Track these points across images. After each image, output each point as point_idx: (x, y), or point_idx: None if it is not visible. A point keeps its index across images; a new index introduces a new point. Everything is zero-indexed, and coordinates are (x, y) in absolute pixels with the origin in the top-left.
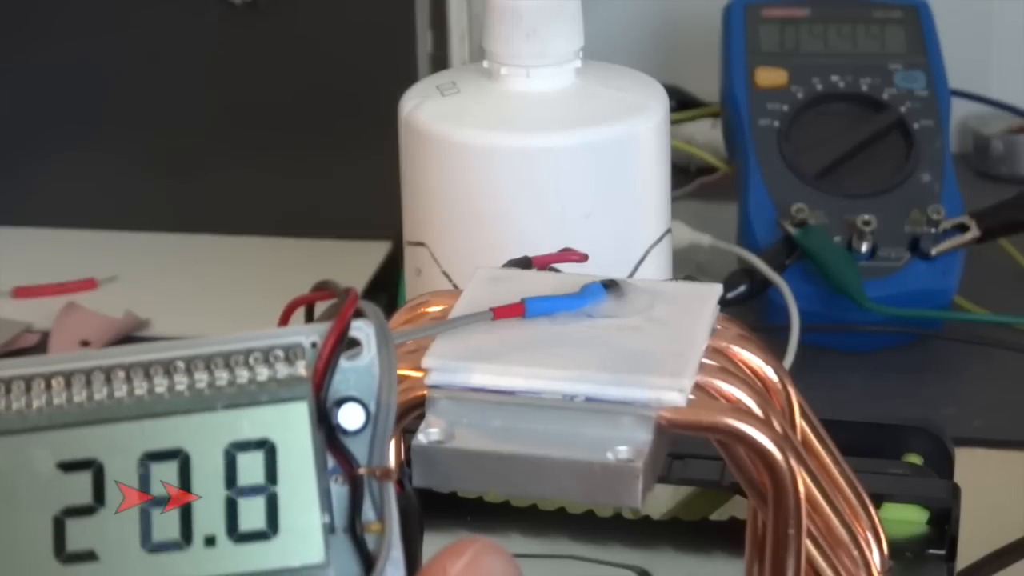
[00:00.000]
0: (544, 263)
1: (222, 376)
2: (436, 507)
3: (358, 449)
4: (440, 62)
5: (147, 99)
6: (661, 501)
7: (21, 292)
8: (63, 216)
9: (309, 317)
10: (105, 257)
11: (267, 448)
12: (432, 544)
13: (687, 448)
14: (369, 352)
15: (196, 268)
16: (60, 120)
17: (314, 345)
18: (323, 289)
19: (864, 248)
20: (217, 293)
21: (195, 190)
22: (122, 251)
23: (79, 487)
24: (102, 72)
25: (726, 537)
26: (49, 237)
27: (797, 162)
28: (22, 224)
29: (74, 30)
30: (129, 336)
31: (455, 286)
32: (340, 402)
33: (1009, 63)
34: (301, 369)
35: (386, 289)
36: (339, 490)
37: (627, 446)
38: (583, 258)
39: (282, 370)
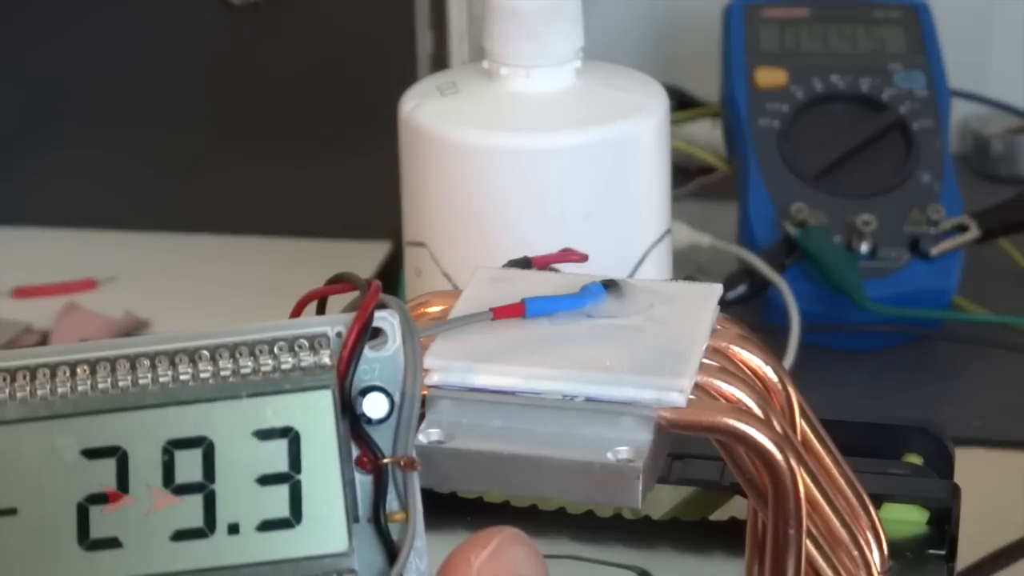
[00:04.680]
0: (544, 263)
1: (247, 364)
2: (436, 507)
3: (382, 439)
4: (440, 62)
5: (147, 99)
6: (661, 501)
7: (21, 292)
8: (63, 216)
9: (321, 311)
10: (105, 257)
11: (291, 436)
12: (431, 544)
13: (687, 448)
14: (394, 342)
15: (196, 268)
16: (60, 120)
17: (339, 335)
18: (338, 282)
19: (864, 248)
20: (217, 293)
21: (195, 190)
22: (122, 251)
23: (103, 474)
24: (102, 72)
25: (726, 537)
26: (49, 237)
27: (797, 162)
28: (22, 224)
29: (74, 30)
30: (129, 336)
31: (455, 286)
32: (364, 391)
33: (1009, 63)
34: (326, 358)
35: (386, 289)
36: (363, 479)
37: (627, 446)
38: (583, 258)
39: (307, 359)
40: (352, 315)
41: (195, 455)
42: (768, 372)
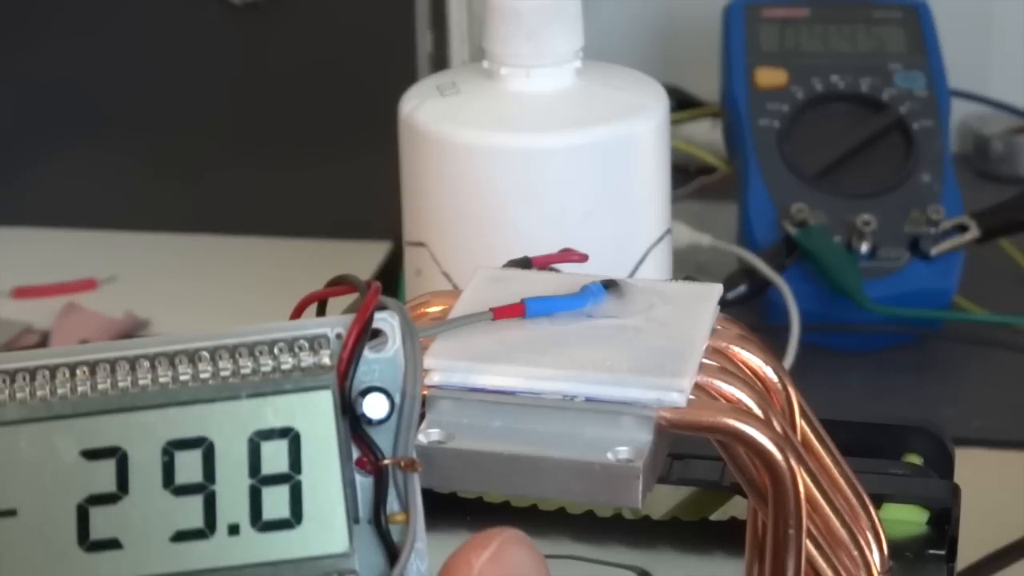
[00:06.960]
0: (544, 263)
1: (247, 365)
2: (436, 507)
3: (383, 440)
4: (440, 62)
5: (147, 99)
6: (661, 501)
7: (21, 292)
8: (63, 216)
9: (321, 314)
10: (105, 257)
11: (291, 437)
12: (431, 545)
13: (687, 448)
14: (394, 343)
15: (196, 268)
16: (60, 120)
17: (339, 336)
18: (338, 284)
19: (864, 248)
20: (217, 293)
21: (195, 190)
22: (122, 251)
23: (103, 475)
24: (102, 72)
25: (726, 537)
26: (49, 237)
27: (797, 162)
28: (22, 224)
29: (74, 30)
30: (129, 336)
31: (455, 286)
32: (364, 392)
33: (1009, 63)
34: (326, 358)
35: (386, 289)
36: (363, 480)
37: (627, 446)
38: (583, 258)
39: (307, 359)
40: (352, 316)
41: (195, 456)
42: (768, 372)
